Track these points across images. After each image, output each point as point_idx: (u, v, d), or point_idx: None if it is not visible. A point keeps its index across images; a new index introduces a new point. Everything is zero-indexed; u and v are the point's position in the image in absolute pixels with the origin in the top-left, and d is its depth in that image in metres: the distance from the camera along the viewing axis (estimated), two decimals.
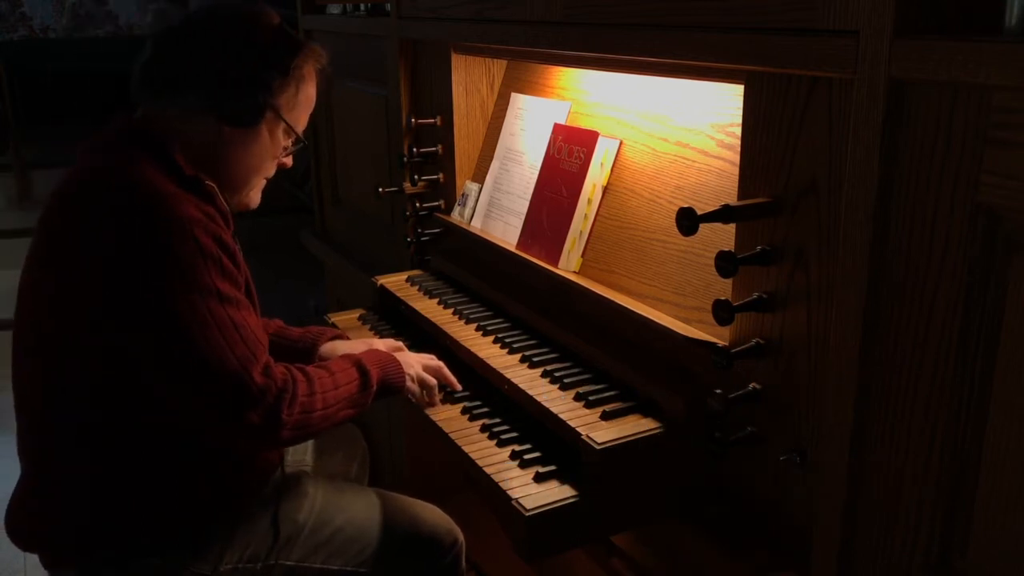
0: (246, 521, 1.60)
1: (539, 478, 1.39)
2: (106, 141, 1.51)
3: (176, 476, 1.50)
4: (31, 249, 1.49)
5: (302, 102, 1.62)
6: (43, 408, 1.50)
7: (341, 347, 1.83)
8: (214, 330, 1.37)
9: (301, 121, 1.65)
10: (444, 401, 1.68)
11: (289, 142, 1.64)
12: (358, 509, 1.72)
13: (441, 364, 1.71)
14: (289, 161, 1.67)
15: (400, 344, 1.82)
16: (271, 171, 1.67)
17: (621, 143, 1.73)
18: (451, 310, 1.93)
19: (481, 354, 1.70)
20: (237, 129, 1.54)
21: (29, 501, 1.55)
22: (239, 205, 1.65)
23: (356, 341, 1.86)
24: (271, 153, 1.61)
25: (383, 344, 1.81)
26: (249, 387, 1.39)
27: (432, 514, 1.79)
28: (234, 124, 1.53)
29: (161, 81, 1.53)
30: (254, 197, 1.67)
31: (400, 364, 1.64)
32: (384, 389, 1.60)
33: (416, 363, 1.67)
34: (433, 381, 1.67)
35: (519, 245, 1.91)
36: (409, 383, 1.63)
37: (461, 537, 1.80)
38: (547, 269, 1.78)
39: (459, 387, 1.70)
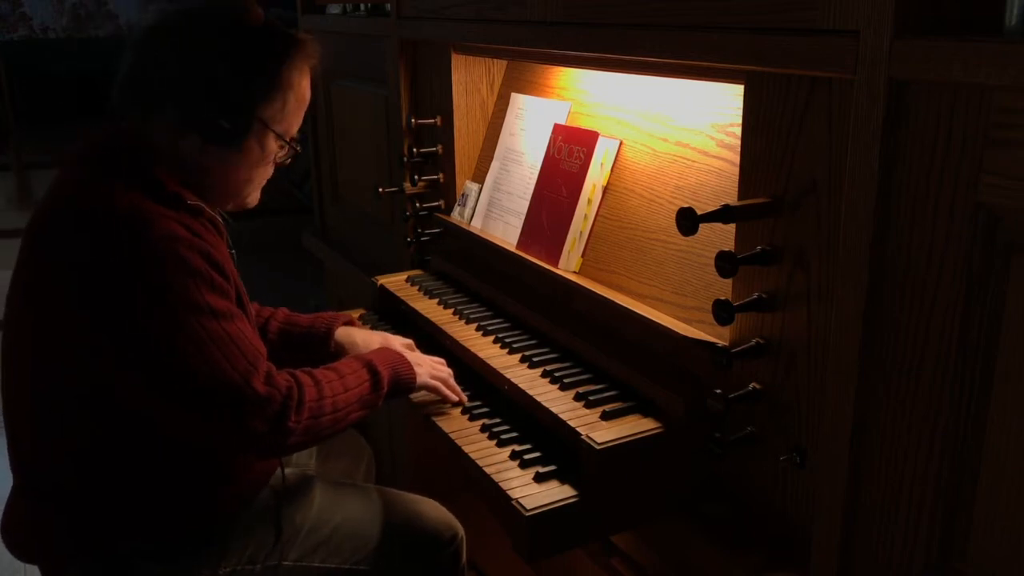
0: (245, 524, 1.59)
1: (539, 478, 1.39)
2: (88, 154, 1.46)
3: (171, 482, 1.48)
4: (18, 264, 1.45)
5: (293, 108, 1.52)
6: (31, 418, 1.47)
7: (357, 335, 1.81)
8: (211, 347, 1.35)
9: (294, 124, 1.55)
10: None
11: (283, 148, 1.56)
12: (356, 506, 1.72)
13: (450, 373, 1.68)
14: (287, 161, 1.61)
15: (411, 342, 1.81)
16: (266, 176, 1.60)
17: (621, 143, 1.73)
18: (451, 310, 1.93)
19: (481, 354, 1.70)
20: (222, 147, 1.47)
21: (23, 513, 1.53)
22: (235, 208, 1.61)
23: (371, 332, 1.84)
24: (262, 162, 1.54)
25: (397, 341, 1.79)
26: (253, 398, 1.37)
27: (432, 509, 1.78)
28: (218, 143, 1.46)
29: (141, 95, 1.45)
30: (251, 199, 1.61)
31: (411, 364, 1.62)
32: (396, 389, 1.59)
33: (426, 364, 1.65)
34: (441, 381, 1.64)
35: (519, 245, 1.91)
36: (420, 383, 1.61)
37: (461, 531, 1.79)
38: (547, 269, 1.78)
39: (458, 399, 1.65)
